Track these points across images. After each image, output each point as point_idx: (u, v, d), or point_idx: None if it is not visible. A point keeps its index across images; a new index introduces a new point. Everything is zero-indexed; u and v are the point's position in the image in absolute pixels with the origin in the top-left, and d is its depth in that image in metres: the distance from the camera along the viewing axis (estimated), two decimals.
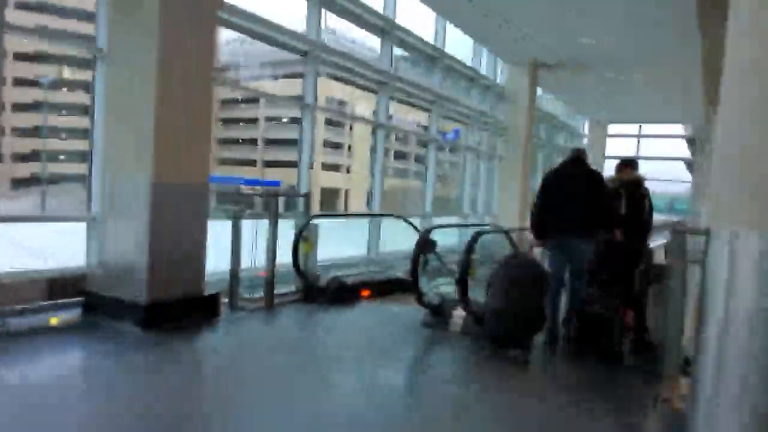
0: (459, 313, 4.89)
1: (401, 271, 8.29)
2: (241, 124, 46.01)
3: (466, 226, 6.88)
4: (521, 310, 4.11)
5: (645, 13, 9.35)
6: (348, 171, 43.57)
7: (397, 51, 9.34)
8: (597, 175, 4.77)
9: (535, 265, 4.40)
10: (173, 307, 4.52)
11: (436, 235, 5.31)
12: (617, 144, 20.79)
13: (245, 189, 5.99)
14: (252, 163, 43.76)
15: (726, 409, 2.47)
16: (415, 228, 7.17)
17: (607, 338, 4.17)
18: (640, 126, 20.55)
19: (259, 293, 5.49)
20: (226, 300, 5.11)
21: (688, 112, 17.60)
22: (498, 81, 12.93)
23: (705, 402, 2.57)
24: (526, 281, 4.16)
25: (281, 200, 5.89)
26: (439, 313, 5.01)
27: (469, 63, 11.84)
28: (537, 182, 15.93)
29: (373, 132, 9.20)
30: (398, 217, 7.17)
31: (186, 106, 4.65)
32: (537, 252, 4.99)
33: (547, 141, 16.98)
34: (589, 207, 4.53)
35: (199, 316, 4.64)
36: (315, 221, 5.71)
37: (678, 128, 21.24)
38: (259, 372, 3.58)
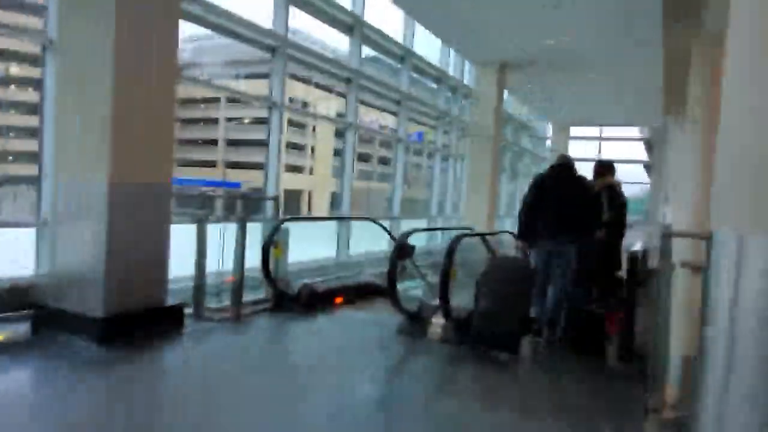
0: (438, 320, 4.71)
1: (372, 275, 8.10)
2: (200, 124, 44.88)
3: (444, 229, 6.69)
4: (512, 311, 4.11)
5: (610, 16, 9.44)
6: (311, 172, 43.10)
7: (365, 51, 9.13)
8: (585, 181, 4.88)
9: (524, 267, 4.43)
10: (133, 320, 4.18)
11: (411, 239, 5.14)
12: (579, 146, 21.13)
13: (209, 191, 5.67)
14: (212, 164, 42.73)
15: (734, 421, 2.36)
16: (387, 231, 6.98)
17: (606, 337, 4.25)
18: (601, 129, 20.97)
19: (226, 302, 5.19)
20: (191, 310, 4.79)
21: (647, 116, 18.03)
22: (465, 82, 12.89)
23: (711, 414, 2.45)
24: (516, 283, 4.18)
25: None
26: (416, 319, 4.82)
27: (436, 63, 11.74)
28: (502, 185, 16.04)
29: (337, 134, 8.98)
30: (371, 220, 6.95)
31: (146, 101, 4.32)
32: (518, 254, 5.01)
33: (512, 143, 17.08)
34: (580, 211, 4.64)
35: (161, 329, 4.32)
36: (285, 225, 5.43)
37: (634, 131, 21.78)
38: (225, 392, 3.29)
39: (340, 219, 8.14)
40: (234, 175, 34.92)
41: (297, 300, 5.40)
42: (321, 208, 39.13)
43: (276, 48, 7.09)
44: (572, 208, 4.65)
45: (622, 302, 4.46)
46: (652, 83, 13.54)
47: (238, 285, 5.04)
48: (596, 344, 4.35)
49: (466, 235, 4.82)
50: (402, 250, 4.63)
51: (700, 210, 10.02)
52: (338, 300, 5.83)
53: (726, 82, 2.72)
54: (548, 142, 21.06)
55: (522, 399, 3.52)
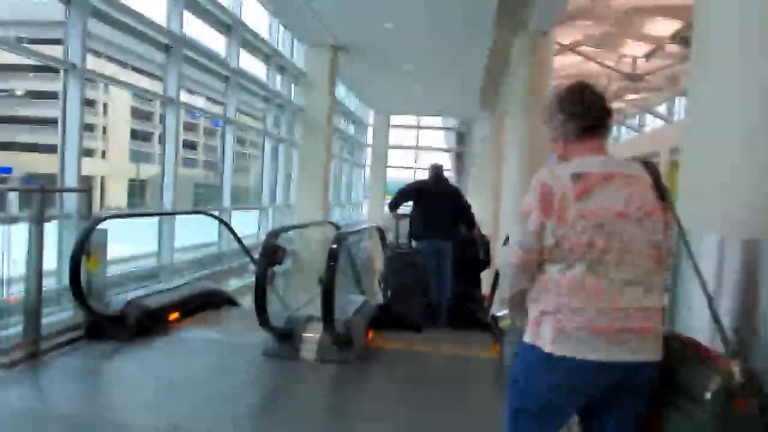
0: (312, 335, 3.94)
1: (193, 277, 6.98)
2: None
3: (307, 226, 5.82)
4: (416, 298, 5.10)
5: (446, 8, 9.43)
6: (104, 156, 37.90)
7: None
8: (457, 189, 6.01)
9: (418, 262, 5.36)
10: None
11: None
12: (398, 134, 21.66)
13: None
14: None
15: None
16: (230, 229, 5.94)
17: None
18: (419, 118, 21.75)
19: (16, 330, 3.75)
20: None
21: (462, 108, 19.11)
22: (296, 62, 12.04)
23: None
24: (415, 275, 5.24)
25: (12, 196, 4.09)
26: (285, 337, 3.98)
27: (265, 39, 10.67)
28: (331, 172, 15.57)
29: (136, 113, 7.52)
30: (207, 214, 5.83)
31: None
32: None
33: (339, 128, 16.70)
34: (455, 215, 5.63)
35: None
36: (103, 226, 4.09)
37: (448, 122, 23.07)
38: None
39: (171, 214, 6.77)
40: (3, 159, 28.99)
41: (122, 322, 4.13)
42: (117, 196, 34.72)
43: None
44: (449, 212, 5.59)
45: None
46: (470, 77, 14.21)
47: (35, 309, 3.65)
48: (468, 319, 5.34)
49: (350, 233, 4.12)
50: (274, 252, 3.72)
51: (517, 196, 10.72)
52: (174, 316, 4.67)
53: None
54: (370, 129, 21.19)
55: None
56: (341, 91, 15.99)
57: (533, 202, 1.66)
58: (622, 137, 22.74)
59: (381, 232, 5.63)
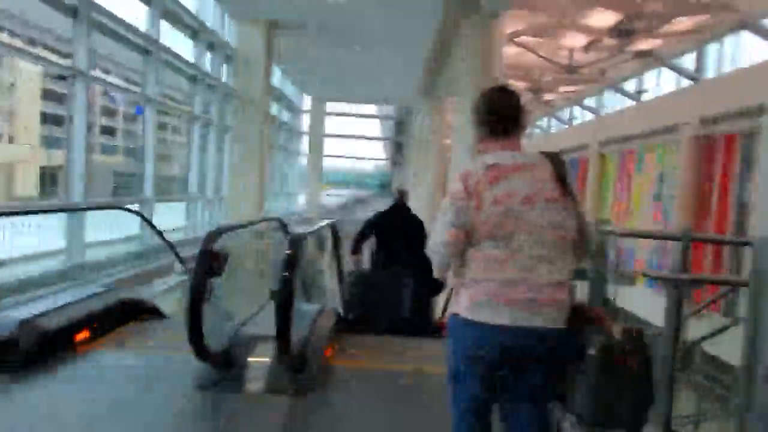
0: (260, 359, 3.23)
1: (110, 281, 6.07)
2: None
3: (254, 224, 5.01)
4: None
5: None
6: (10, 141, 34.54)
7: None
8: (419, 219, 5.70)
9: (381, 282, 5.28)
10: None
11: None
12: (335, 122, 20.86)
13: None
14: None
15: None
16: (149, 222, 5.06)
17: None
18: (357, 106, 21.02)
19: None
20: None
21: (402, 96, 18.56)
22: (227, 39, 11.01)
23: None
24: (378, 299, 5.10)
25: None
26: (226, 362, 3.23)
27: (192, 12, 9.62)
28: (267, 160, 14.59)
29: (47, 95, 6.45)
30: (125, 209, 4.91)
31: None
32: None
33: (273, 115, 15.72)
34: (414, 246, 5.08)
35: None
36: None
37: (386, 110, 22.46)
38: None
39: (75, 210, 5.74)
40: None
41: (11, 349, 3.23)
42: (28, 186, 31.70)
43: None
44: (410, 243, 5.28)
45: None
46: (413, 62, 13.68)
47: None
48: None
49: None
50: (212, 259, 2.94)
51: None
52: (82, 336, 3.78)
53: None
54: (306, 116, 20.26)
55: None
56: (276, 74, 15.00)
57: (459, 186, 1.91)
58: (551, 129, 23.01)
59: (334, 229, 4.92)
